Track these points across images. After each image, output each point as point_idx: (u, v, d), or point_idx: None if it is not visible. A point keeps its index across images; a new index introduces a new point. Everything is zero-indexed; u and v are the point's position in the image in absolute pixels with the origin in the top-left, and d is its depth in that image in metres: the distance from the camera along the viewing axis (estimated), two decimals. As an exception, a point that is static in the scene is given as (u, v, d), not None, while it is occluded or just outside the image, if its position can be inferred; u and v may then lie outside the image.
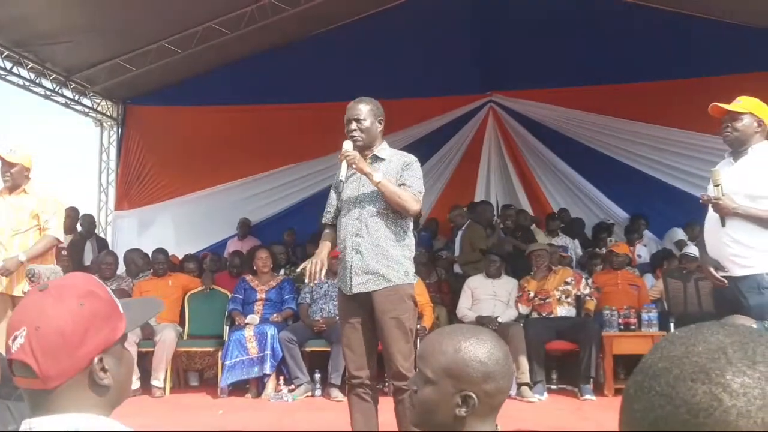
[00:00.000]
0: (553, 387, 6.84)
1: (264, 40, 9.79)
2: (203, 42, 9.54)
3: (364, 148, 3.93)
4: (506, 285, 7.17)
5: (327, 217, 4.12)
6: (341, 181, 3.93)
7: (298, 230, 9.62)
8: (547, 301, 6.92)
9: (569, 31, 9.27)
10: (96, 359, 1.31)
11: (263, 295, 7.26)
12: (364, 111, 3.96)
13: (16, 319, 1.33)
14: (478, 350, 1.62)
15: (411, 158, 4.05)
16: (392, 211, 3.91)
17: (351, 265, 3.87)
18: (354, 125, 3.93)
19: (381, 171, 3.86)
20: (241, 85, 10.14)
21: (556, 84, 9.72)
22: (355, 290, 3.86)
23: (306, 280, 3.98)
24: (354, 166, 3.84)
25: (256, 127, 10.22)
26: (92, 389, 1.32)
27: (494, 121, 10.28)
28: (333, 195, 4.12)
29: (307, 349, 6.89)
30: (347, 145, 3.89)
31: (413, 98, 9.68)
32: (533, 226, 8.69)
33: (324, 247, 4.01)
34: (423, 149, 9.22)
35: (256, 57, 10.08)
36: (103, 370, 1.32)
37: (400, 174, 3.93)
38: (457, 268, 8.16)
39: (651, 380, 0.81)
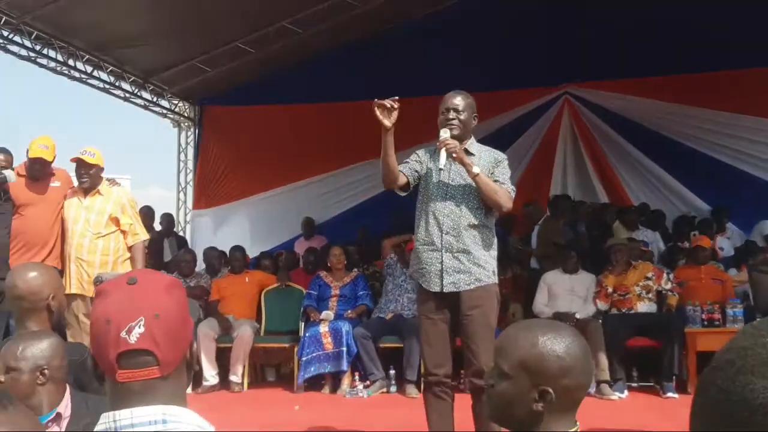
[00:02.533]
0: (634, 385, 6.66)
1: (337, 37, 9.83)
2: (276, 41, 9.64)
3: (457, 140, 3.87)
4: (584, 280, 7.01)
5: (404, 167, 3.95)
6: (441, 169, 3.84)
7: (369, 228, 9.62)
8: (626, 296, 6.74)
9: (647, 19, 8.99)
10: (193, 344, 1.38)
11: (337, 292, 7.29)
12: (463, 103, 3.91)
13: (123, 311, 1.33)
14: (556, 345, 1.60)
15: (501, 155, 3.99)
16: (483, 209, 3.85)
17: (441, 264, 3.82)
18: (452, 114, 3.87)
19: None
20: (314, 83, 10.19)
21: (633, 74, 9.44)
22: (447, 289, 3.81)
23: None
24: (454, 155, 3.78)
25: (328, 125, 10.27)
26: (187, 375, 1.38)
27: (570, 114, 10.06)
28: (415, 161, 3.98)
29: (381, 345, 6.89)
30: (445, 133, 3.82)
31: (486, 92, 9.54)
32: (616, 222, 8.45)
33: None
34: (497, 143, 9.09)
35: (330, 54, 10.11)
36: (194, 355, 1.40)
37: (491, 171, 3.87)
38: (533, 263, 8.03)
39: (714, 373, 0.74)
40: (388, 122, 3.70)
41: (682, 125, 9.53)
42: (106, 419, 1.30)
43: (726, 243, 8.56)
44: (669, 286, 6.81)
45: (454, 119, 3.86)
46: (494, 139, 9.36)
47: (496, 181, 3.83)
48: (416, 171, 3.97)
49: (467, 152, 3.88)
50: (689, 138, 9.55)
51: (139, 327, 1.31)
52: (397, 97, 3.71)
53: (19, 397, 2.05)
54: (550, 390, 1.57)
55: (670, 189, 9.71)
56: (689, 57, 9.02)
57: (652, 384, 6.59)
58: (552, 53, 9.64)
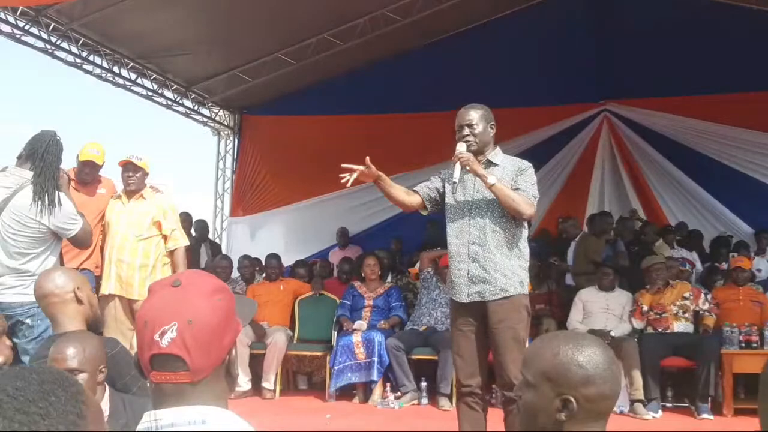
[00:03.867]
0: (669, 405, 6.57)
1: (376, 50, 9.91)
2: (317, 53, 9.76)
3: (477, 153, 3.90)
4: (619, 298, 6.95)
5: (420, 188, 4.10)
6: (455, 183, 3.89)
7: (404, 239, 9.64)
8: (663, 316, 6.67)
9: (689, 38, 8.94)
10: (233, 351, 1.39)
11: (371, 302, 7.31)
12: (476, 116, 3.95)
13: (159, 314, 1.36)
14: (577, 354, 1.61)
15: (526, 164, 4.00)
16: (509, 219, 3.86)
17: (468, 273, 3.84)
18: (467, 130, 3.92)
19: (495, 175, 3.83)
20: (352, 95, 10.27)
21: (675, 92, 9.39)
22: (471, 299, 3.82)
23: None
24: (468, 167, 3.82)
25: (365, 138, 10.30)
26: (226, 381, 1.38)
27: (608, 131, 10.02)
28: (436, 180, 4.10)
29: (413, 356, 6.89)
30: (461, 147, 3.88)
31: (525, 107, 9.56)
32: (660, 241, 8.36)
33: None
34: (534, 159, 9.05)
35: (369, 67, 10.21)
36: (233, 362, 1.40)
37: (514, 179, 3.89)
38: (569, 280, 7.97)
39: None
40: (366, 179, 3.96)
41: (723, 145, 9.44)
42: (148, 418, 1.34)
43: (765, 264, 8.44)
44: (707, 306, 6.72)
45: (468, 135, 3.91)
46: (532, 154, 9.35)
47: (517, 188, 3.84)
48: (435, 189, 4.08)
49: (490, 163, 3.92)
50: (729, 158, 9.46)
51: (172, 332, 1.33)
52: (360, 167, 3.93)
53: None
54: (572, 399, 1.58)
55: (708, 209, 9.62)
56: (730, 76, 8.94)
57: (687, 405, 6.50)
58: (592, 70, 9.63)
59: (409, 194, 4.07)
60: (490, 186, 3.79)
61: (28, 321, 3.88)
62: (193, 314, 1.35)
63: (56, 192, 4.07)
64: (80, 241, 4.36)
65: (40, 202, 3.99)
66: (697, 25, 8.91)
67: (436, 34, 9.96)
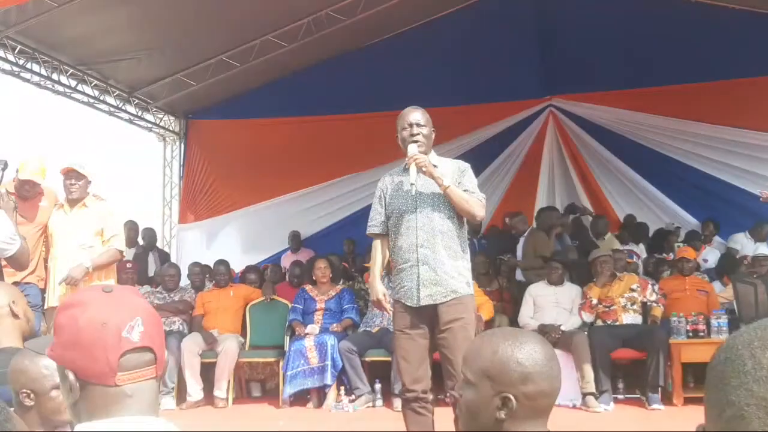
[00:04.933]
0: (620, 397, 6.64)
1: (321, 51, 9.84)
2: (261, 55, 9.65)
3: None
4: (569, 292, 7.02)
5: (374, 229, 4.05)
6: (413, 184, 3.83)
7: (356, 241, 9.61)
8: (611, 308, 6.74)
9: (630, 31, 9.06)
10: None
11: (323, 305, 7.25)
12: (424, 118, 3.92)
13: (117, 313, 1.35)
14: (516, 352, 1.61)
15: (464, 164, 4.00)
16: (454, 220, 3.85)
17: (418, 277, 3.80)
18: (416, 129, 3.87)
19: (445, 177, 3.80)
20: (298, 96, 10.20)
21: (618, 86, 9.51)
22: (423, 302, 3.79)
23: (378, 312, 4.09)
24: (424, 169, 3.79)
25: (314, 139, 10.27)
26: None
27: (554, 126, 10.12)
28: (378, 205, 4.05)
29: (367, 359, 6.85)
30: (414, 149, 3.83)
31: (470, 105, 9.61)
32: (609, 235, 8.48)
33: (377, 269, 4.04)
34: (481, 156, 9.16)
35: (314, 68, 10.14)
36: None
37: (459, 180, 3.87)
38: (518, 276, 8.02)
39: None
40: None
41: (666, 137, 9.60)
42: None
43: (711, 255, 8.60)
44: (654, 297, 6.82)
45: (417, 134, 3.87)
46: (480, 151, 9.47)
47: (465, 190, 3.83)
48: (383, 213, 4.03)
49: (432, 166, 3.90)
50: (673, 150, 9.62)
51: (139, 326, 1.34)
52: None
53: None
54: (512, 397, 1.58)
55: (654, 201, 9.78)
56: (672, 68, 9.09)
57: (638, 396, 6.58)
58: (537, 65, 9.71)
59: (385, 250, 4.06)
60: (445, 188, 3.76)
61: None
62: (146, 309, 1.38)
63: None
64: (17, 262, 4.26)
65: None
66: (639, 17, 9.03)
67: (380, 33, 9.93)
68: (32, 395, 2.17)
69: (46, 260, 5.30)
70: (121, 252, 5.41)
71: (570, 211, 9.19)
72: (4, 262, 4.44)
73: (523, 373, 1.59)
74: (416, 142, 3.85)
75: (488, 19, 9.40)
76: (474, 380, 1.63)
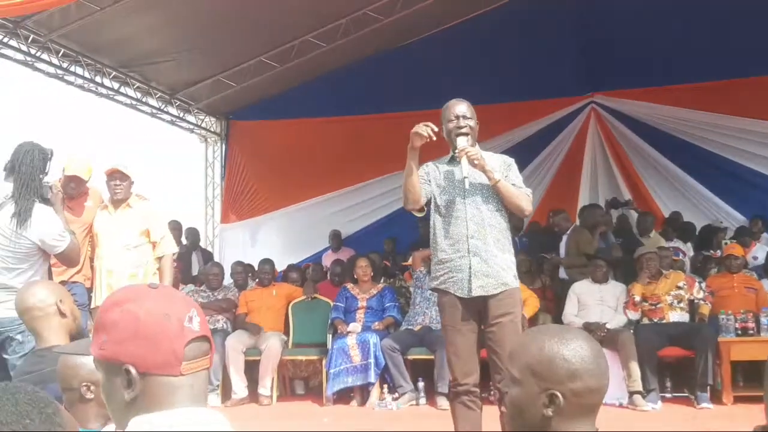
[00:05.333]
0: (668, 395, 6.54)
1: (360, 50, 9.88)
2: (300, 55, 9.72)
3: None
4: (613, 290, 6.92)
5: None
6: (466, 177, 3.77)
7: (397, 240, 9.60)
8: (658, 306, 6.64)
9: (674, 26, 8.93)
10: None
11: (364, 304, 7.26)
12: (470, 110, 3.90)
13: (175, 305, 1.39)
14: (562, 348, 1.59)
15: (509, 159, 3.99)
16: (502, 213, 3.83)
17: (470, 268, 3.78)
18: (462, 121, 3.85)
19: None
20: (337, 96, 10.24)
21: (660, 82, 9.38)
22: (475, 293, 3.76)
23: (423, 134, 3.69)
24: (476, 162, 3.76)
25: (353, 138, 10.29)
26: None
27: (596, 123, 10.00)
28: (424, 180, 3.95)
29: (409, 357, 6.85)
30: (463, 141, 3.80)
31: (511, 102, 9.54)
32: (653, 233, 8.34)
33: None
34: (522, 154, 9.05)
35: (353, 67, 10.16)
36: None
37: (505, 174, 3.85)
38: (562, 273, 7.94)
39: None
40: (418, 143, 3.68)
41: (711, 132, 9.43)
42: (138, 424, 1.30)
43: (761, 252, 8.42)
44: (701, 295, 6.70)
45: (464, 126, 3.84)
46: (521, 149, 9.39)
47: (512, 185, 3.81)
48: (427, 188, 3.96)
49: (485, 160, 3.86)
50: (718, 146, 9.45)
51: (196, 316, 1.37)
52: (435, 128, 3.70)
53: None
54: (558, 394, 1.56)
55: (699, 198, 9.61)
56: (719, 63, 8.92)
57: (686, 395, 6.47)
58: (578, 62, 9.62)
59: (420, 186, 3.90)
60: (495, 182, 3.75)
61: (18, 337, 3.81)
62: (194, 302, 1.42)
63: (33, 204, 4.02)
64: (68, 258, 4.31)
65: (18, 216, 3.94)
66: (682, 12, 8.89)
67: (418, 31, 9.92)
68: (92, 387, 2.20)
69: (91, 260, 5.35)
70: (174, 253, 5.47)
71: (612, 205, 9.05)
72: (53, 260, 4.51)
73: (569, 370, 1.57)
74: (464, 134, 3.83)
75: (528, 16, 9.34)
76: (520, 377, 1.61)
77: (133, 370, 1.32)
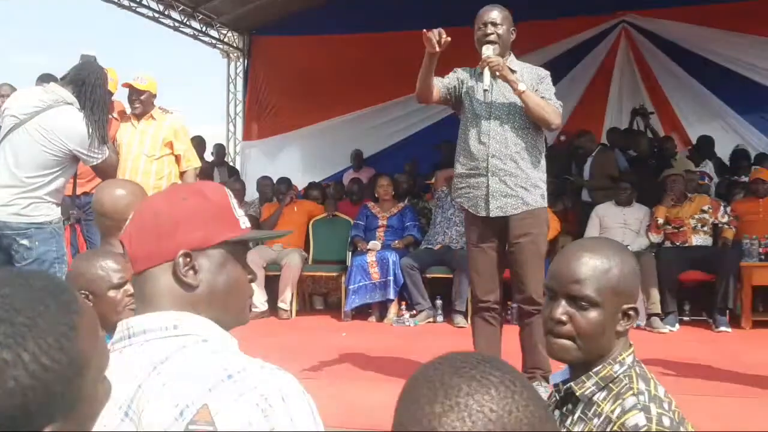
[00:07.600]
0: (686, 318, 6.54)
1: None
2: (326, -31, 9.46)
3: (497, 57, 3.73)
4: (637, 213, 6.85)
5: (438, 80, 3.87)
6: (486, 90, 3.69)
7: (418, 161, 9.52)
8: (681, 229, 6.58)
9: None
10: (181, 252, 1.26)
11: (385, 222, 7.27)
12: (500, 16, 3.76)
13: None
14: (634, 263, 1.61)
15: (544, 71, 3.86)
16: (530, 129, 3.73)
17: (488, 188, 3.72)
18: (490, 28, 3.72)
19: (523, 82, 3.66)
20: (363, 13, 9.99)
21: (695, 1, 9.04)
22: (493, 214, 3.72)
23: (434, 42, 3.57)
24: (498, 73, 3.66)
25: (378, 56, 10.07)
26: (179, 284, 1.28)
27: (627, 43, 9.71)
28: (453, 77, 3.89)
29: (428, 275, 6.87)
30: (488, 50, 3.68)
31: (541, 20, 9.27)
32: (678, 155, 8.18)
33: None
34: (551, 72, 8.86)
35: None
36: (192, 268, 1.28)
37: (535, 87, 3.74)
38: (585, 196, 7.86)
39: None
40: (435, 48, 3.58)
41: (746, 54, 9.11)
42: (121, 327, 1.26)
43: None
44: (726, 219, 6.62)
45: (492, 34, 3.71)
46: (549, 69, 9.13)
47: (542, 98, 3.70)
48: (452, 87, 3.86)
49: (509, 70, 3.74)
50: (752, 70, 9.15)
51: (127, 222, 1.37)
52: (444, 34, 3.56)
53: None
54: (637, 307, 1.59)
55: (729, 122, 9.38)
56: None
57: (704, 318, 6.47)
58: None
59: (435, 83, 3.85)
60: (520, 93, 3.64)
61: (25, 242, 3.77)
62: (144, 206, 1.34)
63: (106, 128, 4.03)
64: (103, 172, 4.27)
65: (92, 137, 3.91)
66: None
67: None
68: (90, 296, 2.21)
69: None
70: (196, 168, 5.45)
71: (639, 113, 8.81)
72: (79, 171, 4.51)
73: (638, 285, 1.63)
74: (491, 42, 3.70)
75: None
76: (599, 299, 1.54)
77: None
